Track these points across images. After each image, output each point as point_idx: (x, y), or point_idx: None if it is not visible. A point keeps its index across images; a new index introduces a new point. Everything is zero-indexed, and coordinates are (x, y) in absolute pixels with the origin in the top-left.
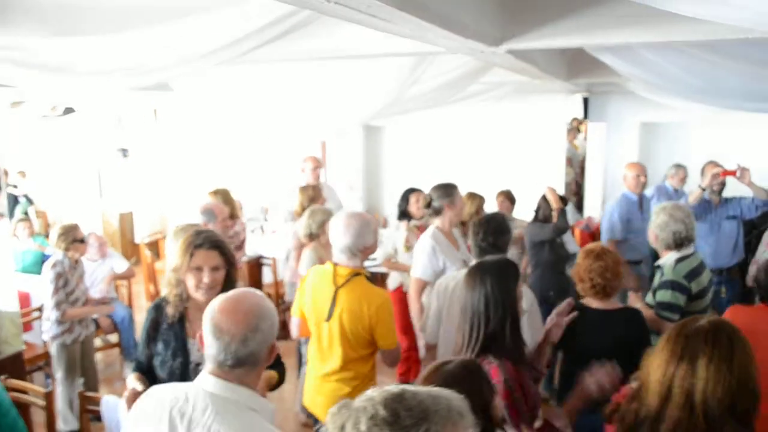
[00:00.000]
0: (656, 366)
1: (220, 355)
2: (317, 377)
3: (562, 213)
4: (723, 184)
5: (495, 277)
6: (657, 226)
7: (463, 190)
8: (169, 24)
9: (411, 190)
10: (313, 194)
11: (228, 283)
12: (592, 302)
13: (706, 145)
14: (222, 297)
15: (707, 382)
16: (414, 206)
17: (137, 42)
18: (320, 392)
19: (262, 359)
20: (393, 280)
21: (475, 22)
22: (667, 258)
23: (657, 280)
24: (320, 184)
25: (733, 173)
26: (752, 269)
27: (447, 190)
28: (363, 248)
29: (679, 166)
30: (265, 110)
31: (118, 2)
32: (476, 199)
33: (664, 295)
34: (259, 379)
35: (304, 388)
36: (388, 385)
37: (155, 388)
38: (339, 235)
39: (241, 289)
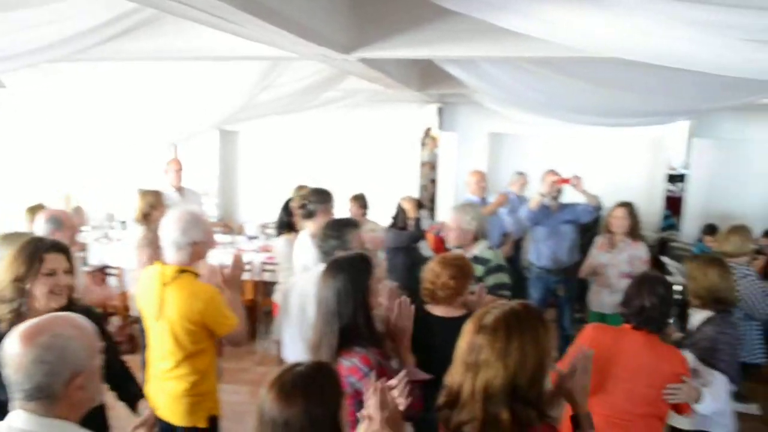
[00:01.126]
0: (459, 351)
1: (14, 387)
2: (156, 377)
3: (417, 222)
4: (560, 191)
5: (347, 272)
6: (467, 222)
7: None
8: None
9: (291, 200)
10: (154, 201)
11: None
12: (436, 309)
13: (547, 155)
14: (23, 324)
15: (487, 371)
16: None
17: None
18: (162, 391)
19: (58, 392)
20: None
21: (327, 30)
22: (482, 248)
23: (481, 269)
24: (183, 188)
25: (568, 181)
26: (584, 267)
27: (324, 195)
28: (191, 243)
29: (519, 174)
30: (109, 111)
31: None
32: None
33: (499, 278)
34: (78, 408)
35: (146, 389)
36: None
37: None
38: (167, 230)
39: (47, 316)
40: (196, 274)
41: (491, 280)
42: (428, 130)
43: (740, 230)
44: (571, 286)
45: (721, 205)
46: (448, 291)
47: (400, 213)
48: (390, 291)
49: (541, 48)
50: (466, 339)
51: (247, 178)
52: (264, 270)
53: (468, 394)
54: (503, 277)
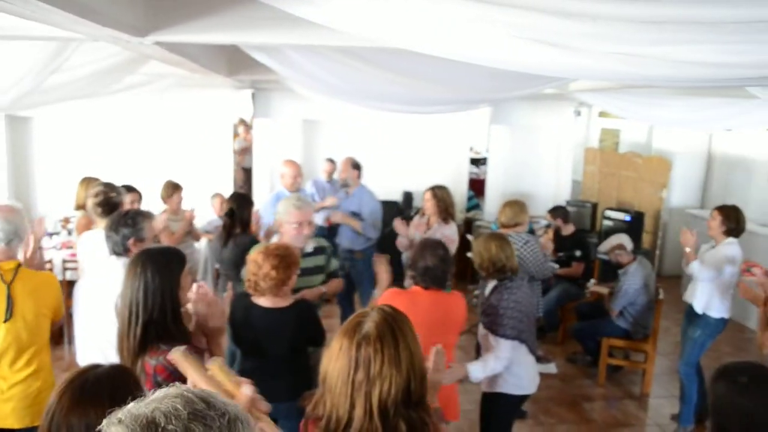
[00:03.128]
0: (336, 373)
1: None
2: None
3: (232, 213)
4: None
5: (155, 264)
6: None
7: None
8: None
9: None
10: None
11: None
12: (261, 299)
13: (358, 141)
14: None
15: (382, 384)
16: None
17: None
18: (8, 400)
19: None
20: None
21: (114, 10)
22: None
23: (323, 258)
24: None
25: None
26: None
27: (119, 189)
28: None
29: (328, 161)
30: None
31: None
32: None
33: (335, 263)
34: None
35: None
36: None
37: None
38: None
39: None
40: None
41: (333, 264)
42: (241, 117)
43: (512, 204)
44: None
45: (517, 185)
46: (270, 282)
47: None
48: (199, 288)
49: (339, 37)
50: (342, 359)
51: (44, 168)
52: (66, 268)
53: (362, 415)
54: (336, 261)
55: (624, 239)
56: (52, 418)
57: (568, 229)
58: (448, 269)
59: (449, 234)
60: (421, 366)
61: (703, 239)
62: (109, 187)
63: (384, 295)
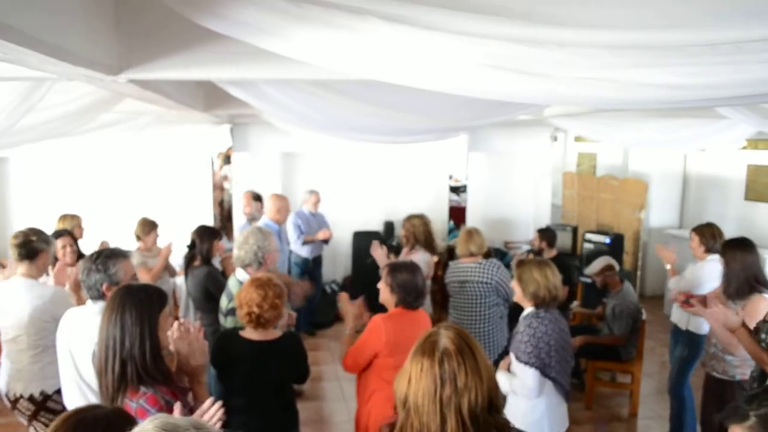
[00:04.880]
0: (422, 393)
1: None
2: None
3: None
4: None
5: (133, 300)
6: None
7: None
8: None
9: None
10: None
11: None
12: (250, 333)
13: (337, 171)
14: None
15: (470, 394)
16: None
17: None
18: None
19: None
20: None
21: (87, 49)
22: None
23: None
24: None
25: None
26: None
27: (47, 237)
28: None
29: (312, 192)
30: None
31: None
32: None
33: None
34: None
35: None
36: None
37: None
38: None
39: None
40: None
41: None
42: (220, 152)
43: (472, 232)
44: None
45: (497, 211)
46: (275, 312)
47: (197, 241)
48: (180, 326)
49: (313, 71)
50: (426, 378)
51: (22, 207)
52: None
53: (456, 427)
54: None
55: (612, 261)
56: None
57: (551, 253)
58: (418, 291)
59: (423, 260)
60: (493, 374)
61: (687, 258)
62: (33, 231)
63: (374, 320)
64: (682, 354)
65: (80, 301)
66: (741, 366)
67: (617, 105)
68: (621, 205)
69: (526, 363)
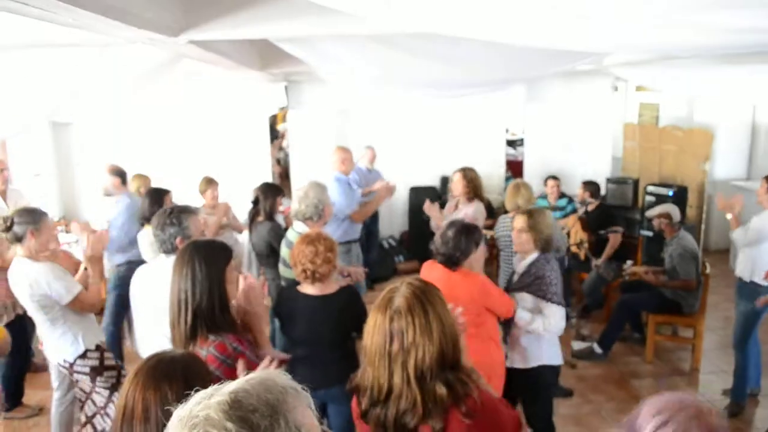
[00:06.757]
0: (374, 347)
1: None
2: None
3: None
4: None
5: (202, 255)
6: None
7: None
8: None
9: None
10: None
11: None
12: (307, 288)
13: (391, 128)
14: None
15: (416, 352)
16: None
17: None
18: None
19: None
20: None
21: (149, 12)
22: None
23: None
24: (6, 191)
25: None
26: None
27: (34, 215)
28: None
29: (368, 148)
30: None
31: None
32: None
33: None
34: None
35: None
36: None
37: None
38: None
39: None
40: None
41: None
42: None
43: (520, 186)
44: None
45: (555, 164)
46: (328, 266)
47: (261, 198)
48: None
49: (368, 25)
50: (377, 332)
51: (86, 172)
52: None
53: (401, 383)
54: None
55: (672, 210)
56: (127, 394)
57: (592, 205)
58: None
59: (470, 213)
60: (452, 331)
61: (755, 212)
62: (16, 213)
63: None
64: (746, 307)
65: (83, 278)
66: None
67: (683, 52)
68: (685, 157)
69: (558, 303)
